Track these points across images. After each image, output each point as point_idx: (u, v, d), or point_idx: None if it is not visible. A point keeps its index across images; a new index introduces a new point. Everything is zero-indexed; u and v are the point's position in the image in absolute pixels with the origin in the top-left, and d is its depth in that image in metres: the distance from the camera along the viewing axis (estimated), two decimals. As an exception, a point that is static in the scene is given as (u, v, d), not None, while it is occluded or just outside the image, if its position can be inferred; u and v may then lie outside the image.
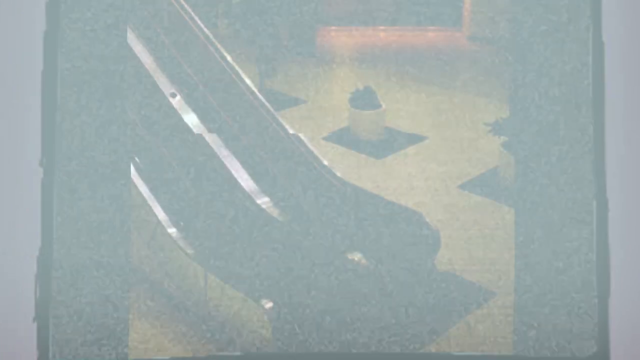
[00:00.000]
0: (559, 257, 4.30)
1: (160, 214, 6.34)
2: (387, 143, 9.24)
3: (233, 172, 6.79)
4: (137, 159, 6.78)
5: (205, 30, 7.93)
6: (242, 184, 6.69)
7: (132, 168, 6.65)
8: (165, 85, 7.57)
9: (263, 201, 6.65)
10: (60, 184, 4.41)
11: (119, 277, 4.39)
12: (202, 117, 7.36)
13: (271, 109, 7.39)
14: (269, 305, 5.50)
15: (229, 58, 7.70)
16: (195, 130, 7.16)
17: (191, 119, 7.30)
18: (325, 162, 6.86)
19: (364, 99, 9.36)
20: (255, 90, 7.57)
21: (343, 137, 9.45)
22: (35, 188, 4.58)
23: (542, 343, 4.36)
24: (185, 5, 8.13)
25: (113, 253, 4.40)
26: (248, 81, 7.62)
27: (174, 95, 7.48)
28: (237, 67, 7.68)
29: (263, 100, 7.45)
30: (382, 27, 14.08)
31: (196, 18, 8.02)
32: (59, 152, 4.41)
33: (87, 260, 4.35)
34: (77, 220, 4.40)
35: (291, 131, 7.15)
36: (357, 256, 6.12)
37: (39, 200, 4.57)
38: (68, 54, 4.41)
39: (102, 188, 4.45)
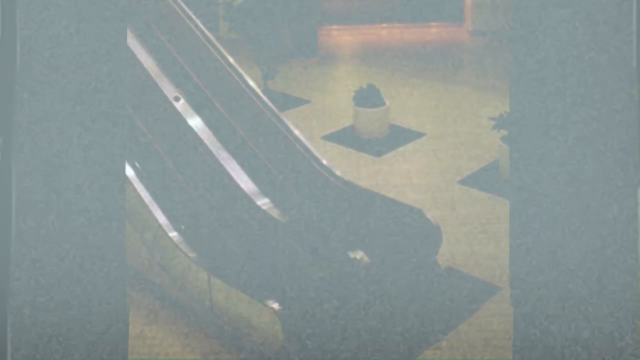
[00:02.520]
0: (556, 253, 4.18)
1: (161, 218, 6.33)
2: (387, 140, 9.21)
3: (233, 174, 6.79)
4: (137, 164, 6.80)
5: (207, 32, 7.92)
6: (242, 185, 6.69)
7: (133, 173, 6.67)
8: (168, 89, 7.57)
9: (263, 202, 6.65)
10: (58, 181, 3.99)
11: (118, 277, 4.11)
12: (206, 120, 7.36)
13: (275, 110, 7.36)
14: (275, 305, 5.50)
15: (231, 60, 7.68)
16: (199, 134, 7.15)
17: (196, 122, 7.30)
18: (325, 161, 6.84)
19: (367, 97, 9.30)
20: (259, 91, 7.55)
21: (344, 136, 9.43)
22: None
23: (543, 344, 4.24)
24: (186, 8, 8.13)
25: (111, 252, 4.09)
26: (252, 83, 7.59)
27: (177, 99, 7.47)
28: (239, 69, 7.66)
29: (267, 101, 7.42)
30: (383, 25, 14.10)
31: (197, 21, 8.02)
32: (58, 152, 3.99)
33: (86, 260, 4.03)
34: (74, 219, 4.03)
35: (295, 131, 7.13)
36: (358, 254, 6.09)
37: None
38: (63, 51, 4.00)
39: (98, 187, 4.07)
